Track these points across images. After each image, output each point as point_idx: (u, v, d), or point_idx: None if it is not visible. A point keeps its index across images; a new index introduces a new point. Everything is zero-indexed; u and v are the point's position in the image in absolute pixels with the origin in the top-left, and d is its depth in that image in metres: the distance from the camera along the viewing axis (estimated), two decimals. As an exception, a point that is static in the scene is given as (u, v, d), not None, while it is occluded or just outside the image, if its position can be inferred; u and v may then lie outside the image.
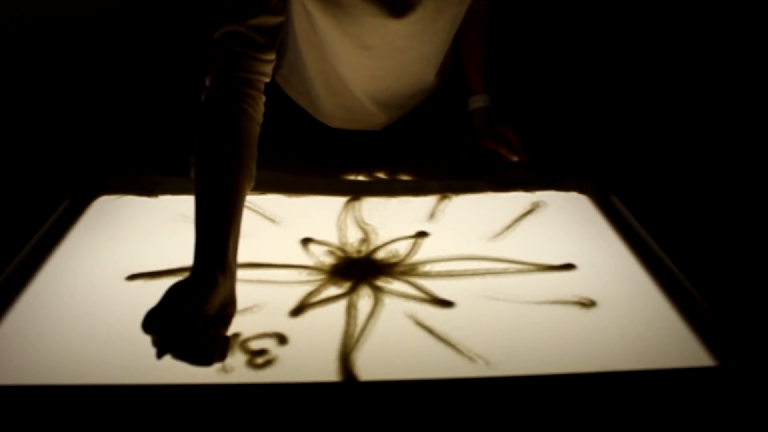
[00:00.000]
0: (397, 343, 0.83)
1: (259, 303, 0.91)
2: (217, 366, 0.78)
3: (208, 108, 0.96)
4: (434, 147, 1.41)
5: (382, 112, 1.33)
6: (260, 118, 0.99)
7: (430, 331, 0.85)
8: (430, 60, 1.27)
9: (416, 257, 1.02)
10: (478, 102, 1.37)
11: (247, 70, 0.98)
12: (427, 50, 1.24)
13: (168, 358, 0.71)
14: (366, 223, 1.11)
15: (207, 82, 0.99)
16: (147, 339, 0.78)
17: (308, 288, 0.94)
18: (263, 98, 1.00)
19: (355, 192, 1.22)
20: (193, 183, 0.90)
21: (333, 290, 0.94)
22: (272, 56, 1.01)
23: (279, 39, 1.03)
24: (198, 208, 0.86)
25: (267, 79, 1.01)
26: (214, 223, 0.85)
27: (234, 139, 0.92)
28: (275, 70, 1.37)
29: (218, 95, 0.96)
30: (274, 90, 1.39)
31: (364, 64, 1.22)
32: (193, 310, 0.72)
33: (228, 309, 0.81)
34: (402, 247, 1.05)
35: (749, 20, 1.55)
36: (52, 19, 1.51)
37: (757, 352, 0.82)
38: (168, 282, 0.91)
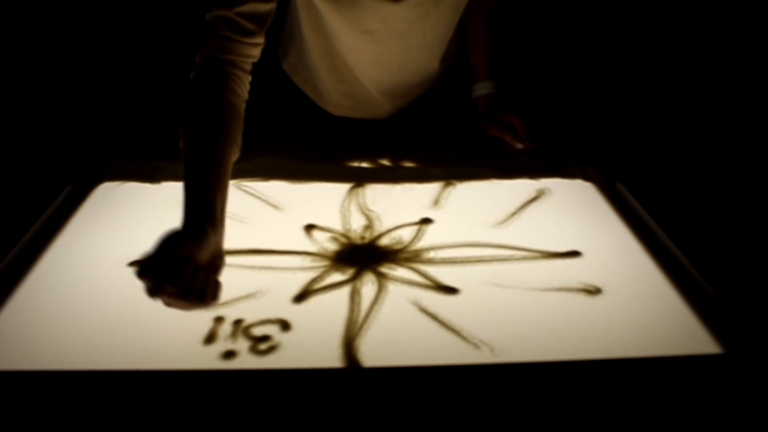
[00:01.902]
0: (401, 329, 0.83)
1: (262, 289, 0.90)
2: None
3: (195, 84, 0.98)
4: (439, 134, 1.41)
5: (387, 100, 1.33)
6: (245, 95, 1.01)
7: (434, 317, 0.85)
8: (434, 46, 1.26)
9: (420, 244, 1.01)
10: (482, 89, 1.36)
11: (235, 52, 0.99)
12: (430, 36, 1.23)
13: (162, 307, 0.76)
14: (370, 210, 1.11)
15: (197, 60, 1.00)
16: (149, 325, 0.78)
17: (312, 274, 0.94)
18: (249, 78, 1.02)
19: (359, 179, 1.21)
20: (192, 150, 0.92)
21: (337, 276, 0.93)
22: (260, 40, 1.02)
23: (268, 23, 1.03)
24: (187, 172, 0.89)
25: (254, 60, 1.03)
26: (202, 184, 0.87)
27: (219, 110, 0.95)
28: (282, 58, 1.37)
29: (206, 73, 0.98)
30: (281, 78, 1.38)
31: (366, 50, 1.21)
32: (185, 256, 0.77)
33: (217, 261, 0.84)
34: (406, 234, 1.04)
35: (750, 11, 1.54)
36: (53, 5, 1.50)
37: (762, 340, 0.81)
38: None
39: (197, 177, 0.88)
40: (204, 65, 0.99)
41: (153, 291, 0.74)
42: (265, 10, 1.01)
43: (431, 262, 0.97)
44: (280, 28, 1.36)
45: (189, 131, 0.93)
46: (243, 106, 0.99)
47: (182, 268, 0.75)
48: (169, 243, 0.78)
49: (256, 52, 1.02)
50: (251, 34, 1.00)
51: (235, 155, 0.95)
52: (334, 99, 1.34)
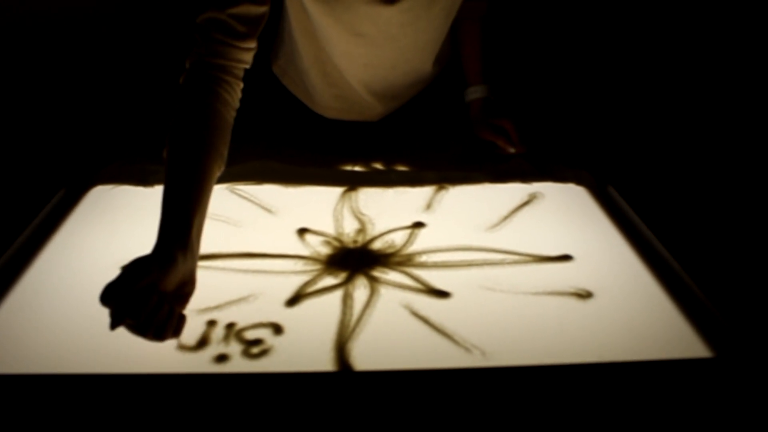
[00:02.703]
0: (393, 333, 0.83)
1: (254, 293, 0.90)
2: (172, 343, 0.80)
3: (184, 91, 0.95)
4: (431, 138, 1.41)
5: (378, 102, 1.33)
6: (236, 103, 0.98)
7: (426, 321, 0.85)
8: (426, 49, 1.27)
9: (413, 248, 1.02)
10: (475, 93, 1.36)
11: (226, 57, 0.97)
12: (422, 39, 1.23)
13: (124, 332, 0.73)
14: (362, 214, 1.11)
15: (186, 65, 0.98)
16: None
17: (304, 278, 0.94)
18: (241, 85, 0.99)
19: (352, 182, 1.22)
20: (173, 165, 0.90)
21: (329, 280, 0.93)
22: (252, 44, 1.00)
23: (261, 27, 1.01)
24: (166, 187, 0.86)
25: (246, 66, 1.00)
26: (179, 204, 0.84)
27: (206, 123, 0.92)
28: (273, 60, 1.37)
29: (195, 79, 0.96)
30: (271, 81, 1.38)
31: (358, 53, 1.21)
32: (149, 285, 0.74)
33: (186, 288, 0.82)
34: (398, 238, 1.04)
35: (743, 14, 1.55)
36: (48, 9, 1.50)
37: (752, 344, 0.82)
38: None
39: (175, 196, 0.85)
40: (194, 70, 0.96)
41: (113, 322, 0.71)
42: (257, 12, 1.00)
43: (423, 265, 0.97)
44: (272, 31, 1.36)
45: (173, 143, 0.90)
46: (232, 115, 0.97)
47: (145, 299, 0.72)
48: (135, 270, 0.74)
49: (248, 57, 1.00)
50: (243, 37, 0.98)
51: (219, 170, 0.92)
52: (325, 102, 1.34)
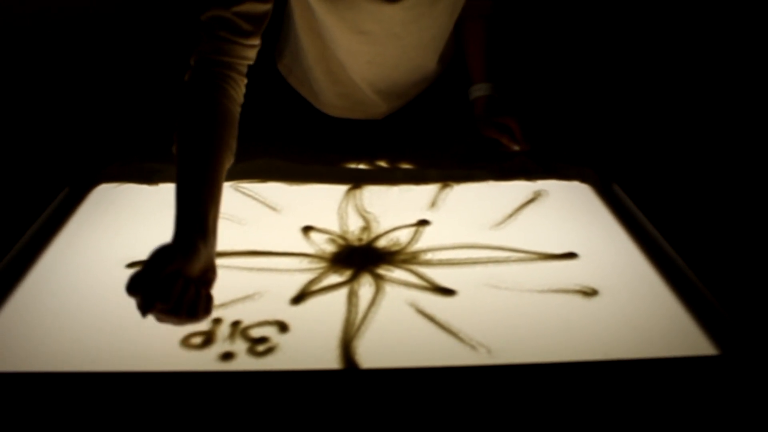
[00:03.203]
0: (398, 331, 0.83)
1: (260, 291, 0.90)
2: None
3: (190, 87, 0.97)
4: (435, 136, 1.41)
5: (382, 100, 1.33)
6: (241, 99, 0.99)
7: (431, 319, 0.85)
8: (430, 47, 1.27)
9: (417, 245, 1.02)
10: (479, 91, 1.36)
11: (231, 54, 0.98)
12: (425, 37, 1.23)
13: (153, 321, 0.75)
14: (367, 212, 1.11)
15: (191, 62, 0.99)
16: (149, 327, 0.78)
17: (309, 276, 0.94)
18: (245, 81, 1.01)
19: (357, 180, 1.22)
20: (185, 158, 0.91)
21: (334, 278, 0.94)
22: (257, 41, 1.01)
23: (265, 25, 1.02)
24: (179, 180, 0.88)
25: (250, 63, 1.01)
26: (195, 194, 0.86)
27: (214, 116, 0.93)
28: (278, 59, 1.37)
29: (200, 75, 0.97)
30: (276, 80, 1.39)
31: (362, 51, 1.21)
32: (175, 272, 0.75)
33: (209, 274, 0.83)
34: (403, 236, 1.04)
35: (747, 12, 1.54)
36: (52, 7, 1.50)
37: (758, 341, 0.81)
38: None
39: (189, 188, 0.87)
40: (199, 67, 0.97)
41: (144, 308, 0.73)
42: (262, 10, 1.01)
43: (428, 263, 0.97)
44: (276, 29, 1.36)
45: (182, 138, 0.92)
46: (238, 110, 0.98)
47: (172, 284, 0.74)
48: (159, 258, 0.76)
49: (252, 54, 1.01)
50: (248, 35, 0.99)
51: (229, 162, 0.94)
52: (329, 100, 1.34)
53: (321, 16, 1.16)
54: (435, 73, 1.35)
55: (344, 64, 1.25)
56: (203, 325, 0.83)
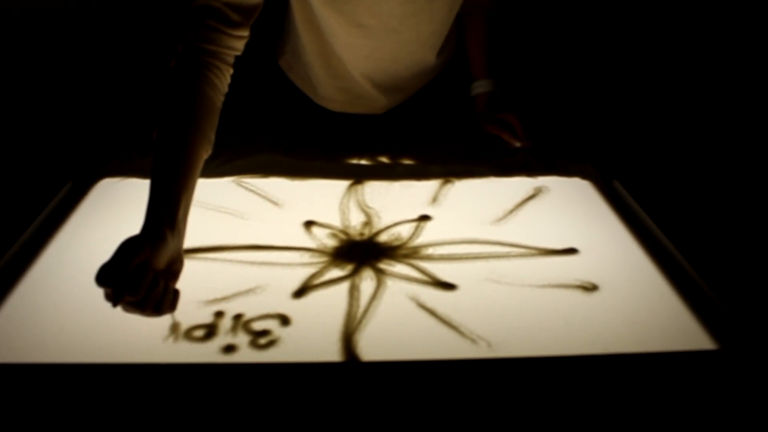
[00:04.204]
0: (400, 324, 0.84)
1: (262, 284, 0.91)
2: (167, 318, 0.81)
3: (174, 74, 0.95)
4: (437, 132, 1.41)
5: (381, 94, 1.33)
6: (225, 88, 0.98)
7: (432, 313, 0.86)
8: (428, 42, 1.27)
9: (419, 240, 1.02)
10: (481, 87, 1.37)
11: (217, 43, 0.97)
12: (424, 32, 1.23)
13: (120, 311, 0.75)
14: (368, 207, 1.11)
15: (178, 50, 0.98)
16: (150, 319, 0.79)
17: (311, 270, 0.94)
18: (231, 71, 0.99)
19: (358, 176, 1.22)
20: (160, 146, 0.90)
21: (336, 272, 0.94)
22: (245, 33, 1.00)
23: (254, 17, 1.01)
24: (153, 170, 0.87)
25: (237, 53, 1.00)
26: (166, 185, 0.85)
27: (193, 105, 0.92)
28: (279, 55, 1.37)
29: (186, 63, 0.95)
30: (277, 75, 1.39)
31: (360, 45, 1.22)
32: (143, 263, 0.75)
33: (175, 265, 0.83)
34: (404, 231, 1.05)
35: (748, 10, 1.55)
36: (53, 3, 1.50)
37: (757, 336, 0.82)
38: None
39: (161, 178, 0.86)
40: (185, 55, 0.96)
41: (114, 300, 0.73)
42: (252, 3, 1.00)
43: (429, 258, 0.98)
44: (277, 25, 1.37)
45: (162, 125, 0.91)
46: (221, 99, 0.97)
47: (141, 276, 0.74)
48: (127, 249, 0.75)
49: (239, 45, 1.00)
50: (237, 25, 0.98)
51: (206, 153, 0.93)
52: (329, 94, 1.34)
53: (318, 9, 1.17)
54: (435, 67, 1.35)
55: (342, 58, 1.25)
56: (206, 318, 0.83)
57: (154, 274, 0.76)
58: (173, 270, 0.83)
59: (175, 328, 0.82)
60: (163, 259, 0.79)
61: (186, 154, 0.89)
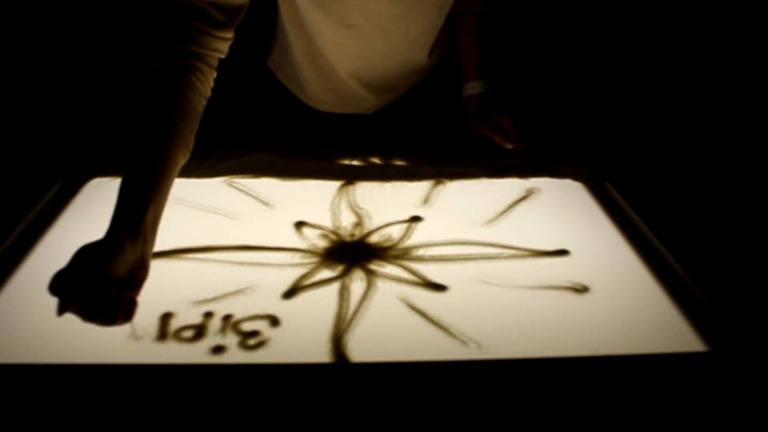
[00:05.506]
0: (390, 325, 0.83)
1: (251, 285, 0.90)
2: (125, 329, 0.79)
3: (155, 75, 0.93)
4: (429, 133, 1.41)
5: (370, 94, 1.33)
6: (208, 92, 0.96)
7: (422, 314, 0.85)
8: (418, 42, 1.27)
9: (410, 241, 1.02)
10: (472, 89, 1.36)
11: (201, 44, 0.95)
12: (413, 32, 1.23)
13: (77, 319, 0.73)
14: (360, 208, 1.11)
15: (161, 50, 0.95)
16: (139, 320, 0.78)
17: (301, 271, 0.94)
18: (214, 74, 0.97)
19: (349, 176, 1.22)
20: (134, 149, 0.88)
21: (326, 273, 0.94)
22: (229, 34, 0.98)
23: (239, 18, 0.99)
24: (124, 172, 0.85)
25: (221, 56, 0.98)
26: (136, 191, 0.83)
27: (173, 109, 0.90)
28: (268, 56, 1.37)
29: (167, 64, 0.93)
30: (266, 76, 1.39)
31: (348, 44, 1.21)
32: (94, 269, 0.73)
33: (138, 273, 0.80)
34: (395, 232, 1.04)
35: (740, 12, 1.55)
36: (45, 3, 1.50)
37: (747, 338, 0.82)
38: (159, 264, 0.92)
39: (132, 181, 0.84)
40: (167, 56, 0.93)
41: (59, 309, 0.71)
42: (237, 3, 0.97)
43: (420, 259, 0.97)
44: (265, 26, 1.37)
45: (138, 128, 0.88)
46: (202, 103, 0.95)
47: (90, 284, 0.71)
48: (81, 256, 0.74)
49: (223, 47, 0.98)
50: (221, 26, 0.96)
51: (183, 158, 0.91)
52: (318, 95, 1.34)
53: (305, 9, 1.16)
54: (425, 67, 1.35)
55: (330, 58, 1.25)
56: (195, 319, 0.83)
57: (106, 282, 0.73)
58: (135, 278, 0.80)
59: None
60: (121, 267, 0.77)
61: (161, 158, 0.86)
